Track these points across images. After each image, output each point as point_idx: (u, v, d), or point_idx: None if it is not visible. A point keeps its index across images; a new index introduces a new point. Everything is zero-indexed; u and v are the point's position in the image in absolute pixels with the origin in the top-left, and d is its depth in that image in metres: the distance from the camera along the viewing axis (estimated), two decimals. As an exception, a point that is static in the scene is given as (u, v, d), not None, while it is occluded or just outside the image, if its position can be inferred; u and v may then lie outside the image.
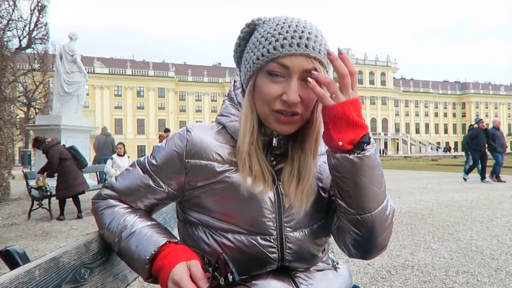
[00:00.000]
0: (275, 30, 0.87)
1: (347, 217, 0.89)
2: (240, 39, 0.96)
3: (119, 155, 7.98)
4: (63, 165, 6.22)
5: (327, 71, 0.89)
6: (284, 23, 0.88)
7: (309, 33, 0.86)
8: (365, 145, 0.82)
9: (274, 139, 0.95)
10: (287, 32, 0.85)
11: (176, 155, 0.95)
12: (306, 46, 0.84)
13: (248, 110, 0.91)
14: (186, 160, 0.94)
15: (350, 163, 0.82)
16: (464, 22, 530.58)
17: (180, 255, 0.83)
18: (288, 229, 0.94)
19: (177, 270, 0.79)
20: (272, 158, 0.97)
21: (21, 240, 4.79)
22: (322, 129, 0.89)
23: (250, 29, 0.94)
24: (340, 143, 0.81)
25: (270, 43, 0.86)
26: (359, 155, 0.81)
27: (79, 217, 6.24)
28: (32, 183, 6.46)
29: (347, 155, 0.81)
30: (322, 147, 1.01)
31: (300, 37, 0.85)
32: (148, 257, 0.84)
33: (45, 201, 6.43)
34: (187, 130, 0.97)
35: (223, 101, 1.05)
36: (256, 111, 0.91)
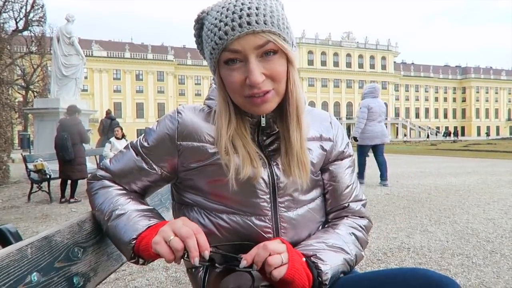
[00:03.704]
0: (216, 19, 0.85)
1: None
2: (196, 37, 0.95)
3: (117, 138, 7.97)
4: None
5: (284, 38, 0.85)
6: (223, 8, 0.85)
7: (248, 8, 0.82)
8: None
9: (262, 119, 0.94)
10: (226, 17, 0.83)
11: (168, 137, 0.95)
12: (249, 23, 0.81)
13: (222, 104, 0.90)
14: (178, 143, 0.94)
15: None
16: (477, 3, 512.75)
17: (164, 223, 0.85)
18: (282, 209, 0.94)
19: (163, 228, 0.81)
20: (264, 138, 0.97)
21: (21, 223, 4.82)
22: (303, 101, 0.92)
23: (200, 25, 0.93)
24: None
25: (215, 35, 0.84)
26: None
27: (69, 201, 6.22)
28: (31, 166, 6.47)
29: None
30: (312, 132, 1.01)
31: (240, 17, 0.81)
32: (135, 236, 0.84)
33: (45, 184, 6.46)
34: (178, 112, 0.97)
35: (210, 84, 1.04)
36: (231, 101, 0.90)
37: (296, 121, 0.92)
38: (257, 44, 0.82)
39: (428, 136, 69.62)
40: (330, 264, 0.88)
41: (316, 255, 0.89)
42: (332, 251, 0.92)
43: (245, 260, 0.81)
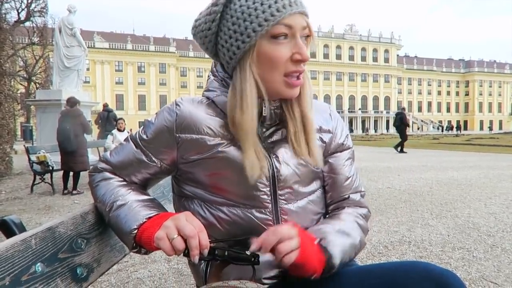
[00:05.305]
0: None
1: None
2: (211, 22, 0.89)
3: (119, 130, 7.97)
4: None
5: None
6: None
7: None
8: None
9: (264, 109, 0.92)
10: None
11: (166, 129, 0.94)
12: (300, 3, 0.86)
13: (253, 84, 0.87)
14: (177, 135, 0.94)
15: None
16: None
17: (168, 216, 0.85)
18: (282, 201, 0.95)
19: (167, 223, 0.81)
20: (264, 130, 0.97)
21: (24, 214, 4.85)
22: (309, 87, 0.96)
23: (220, 8, 0.87)
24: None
25: (270, 6, 0.83)
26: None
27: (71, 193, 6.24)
28: (34, 158, 6.49)
29: None
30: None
31: None
32: (135, 227, 0.85)
33: (47, 176, 6.49)
34: (177, 104, 0.96)
35: (208, 76, 1.03)
36: (261, 83, 0.88)
37: (310, 102, 0.96)
38: (303, 24, 0.87)
39: (443, 130, 69.41)
40: (339, 247, 0.89)
41: (325, 238, 0.90)
42: (340, 235, 0.93)
43: (255, 243, 0.80)
